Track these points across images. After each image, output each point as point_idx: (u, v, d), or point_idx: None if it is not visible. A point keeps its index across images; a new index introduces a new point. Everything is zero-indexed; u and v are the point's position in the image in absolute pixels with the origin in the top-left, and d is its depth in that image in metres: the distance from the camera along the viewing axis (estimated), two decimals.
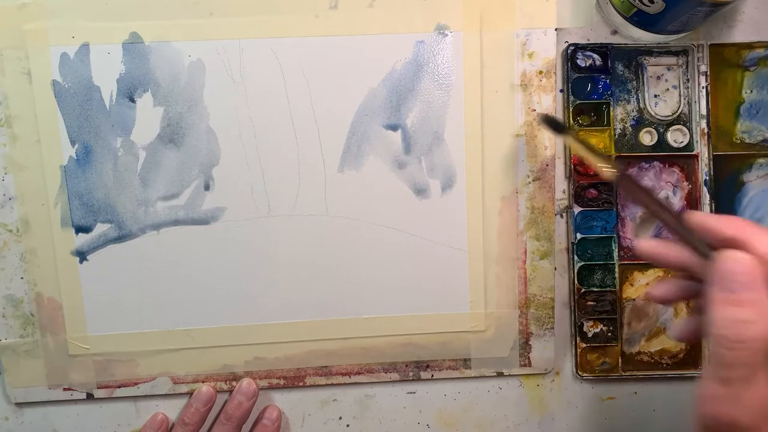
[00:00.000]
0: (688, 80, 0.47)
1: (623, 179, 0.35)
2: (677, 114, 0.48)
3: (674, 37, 0.47)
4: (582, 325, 0.48)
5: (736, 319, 0.28)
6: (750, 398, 0.28)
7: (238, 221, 0.46)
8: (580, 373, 0.49)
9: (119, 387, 0.47)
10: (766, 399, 0.28)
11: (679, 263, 0.33)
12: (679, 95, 0.48)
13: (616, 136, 0.48)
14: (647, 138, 0.48)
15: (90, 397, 0.47)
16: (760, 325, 0.27)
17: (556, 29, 0.46)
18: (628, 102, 0.48)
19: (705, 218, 0.30)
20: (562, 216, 0.48)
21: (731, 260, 0.29)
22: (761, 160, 0.48)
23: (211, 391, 0.47)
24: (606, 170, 0.36)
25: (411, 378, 0.49)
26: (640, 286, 0.48)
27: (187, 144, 0.45)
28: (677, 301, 0.32)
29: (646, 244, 0.33)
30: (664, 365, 0.49)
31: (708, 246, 0.31)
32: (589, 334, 0.48)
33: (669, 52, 0.47)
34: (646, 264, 0.48)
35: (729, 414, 0.28)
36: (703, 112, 0.47)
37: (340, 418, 0.49)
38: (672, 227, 0.32)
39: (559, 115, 0.47)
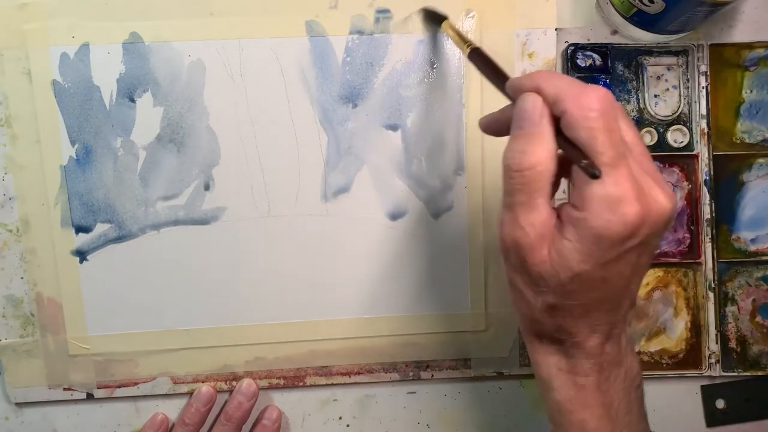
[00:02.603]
0: (688, 80, 0.47)
1: (474, 53, 0.38)
2: (677, 114, 0.48)
3: (674, 37, 0.47)
4: None
5: (517, 150, 0.31)
6: (527, 221, 0.31)
7: (238, 221, 0.46)
8: None
9: (119, 387, 0.47)
10: (542, 223, 0.31)
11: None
12: (679, 95, 0.48)
13: None
14: (647, 138, 0.48)
15: (90, 397, 0.47)
16: (537, 154, 0.30)
17: (556, 29, 0.46)
18: (628, 102, 0.48)
19: (518, 78, 0.33)
20: None
21: (522, 100, 0.31)
22: (761, 160, 0.48)
23: (211, 391, 0.47)
24: (467, 48, 0.39)
25: (411, 378, 0.49)
26: (640, 286, 0.48)
27: (187, 144, 0.45)
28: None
29: (485, 119, 0.36)
30: (664, 365, 0.49)
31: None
32: None
33: (669, 52, 0.47)
34: None
35: (510, 235, 0.31)
36: (703, 112, 0.47)
37: (340, 418, 0.49)
38: (500, 88, 0.35)
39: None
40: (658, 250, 0.48)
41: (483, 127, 0.36)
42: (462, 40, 0.40)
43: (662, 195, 0.30)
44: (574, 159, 0.30)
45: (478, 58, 0.38)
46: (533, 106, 0.31)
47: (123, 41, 0.44)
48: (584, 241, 0.30)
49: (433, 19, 0.45)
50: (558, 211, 0.31)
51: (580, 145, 0.30)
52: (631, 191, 0.29)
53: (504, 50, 0.46)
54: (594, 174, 0.29)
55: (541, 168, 0.30)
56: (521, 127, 0.31)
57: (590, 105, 0.29)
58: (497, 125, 0.35)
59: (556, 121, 0.31)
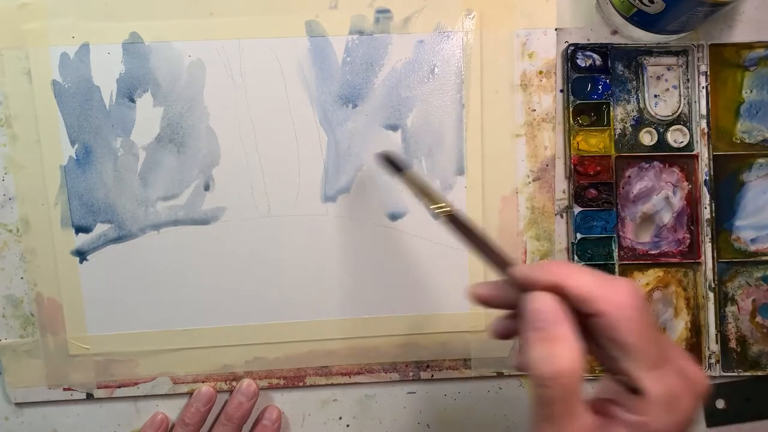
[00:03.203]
0: (688, 80, 0.47)
1: (452, 219, 0.36)
2: (677, 114, 0.48)
3: (674, 37, 0.47)
4: None
5: (544, 356, 0.29)
6: (573, 431, 0.29)
7: (238, 221, 0.46)
8: None
9: (119, 387, 0.47)
10: (587, 429, 0.29)
11: (511, 303, 0.34)
12: (679, 95, 0.48)
13: (616, 136, 0.48)
14: (647, 138, 0.48)
15: (90, 397, 0.47)
16: (567, 358, 0.29)
17: (556, 29, 0.46)
18: (628, 102, 0.48)
19: (526, 270, 0.31)
20: (562, 216, 0.48)
21: (535, 300, 0.30)
22: (761, 160, 0.48)
23: (211, 391, 0.47)
24: (437, 211, 0.36)
25: (411, 378, 0.49)
26: (640, 285, 0.48)
27: (187, 144, 0.45)
28: (499, 306, 0.34)
29: (478, 290, 0.34)
30: None
31: (524, 291, 0.31)
32: None
33: (669, 52, 0.47)
34: (646, 264, 0.48)
35: None
36: (703, 112, 0.47)
37: (340, 418, 0.49)
38: (497, 269, 0.33)
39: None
40: (658, 250, 0.48)
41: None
42: (430, 198, 0.37)
43: (698, 370, 0.31)
44: (609, 370, 0.30)
45: (455, 224, 0.35)
46: (550, 308, 0.30)
47: (123, 41, 0.44)
48: None
49: (392, 168, 0.42)
50: (596, 409, 0.30)
51: (620, 345, 0.29)
52: (680, 383, 0.29)
53: (504, 50, 0.46)
54: (635, 390, 0.29)
55: (575, 371, 0.28)
56: (539, 328, 0.29)
57: (626, 302, 0.29)
58: (501, 303, 0.33)
59: (578, 317, 0.30)
